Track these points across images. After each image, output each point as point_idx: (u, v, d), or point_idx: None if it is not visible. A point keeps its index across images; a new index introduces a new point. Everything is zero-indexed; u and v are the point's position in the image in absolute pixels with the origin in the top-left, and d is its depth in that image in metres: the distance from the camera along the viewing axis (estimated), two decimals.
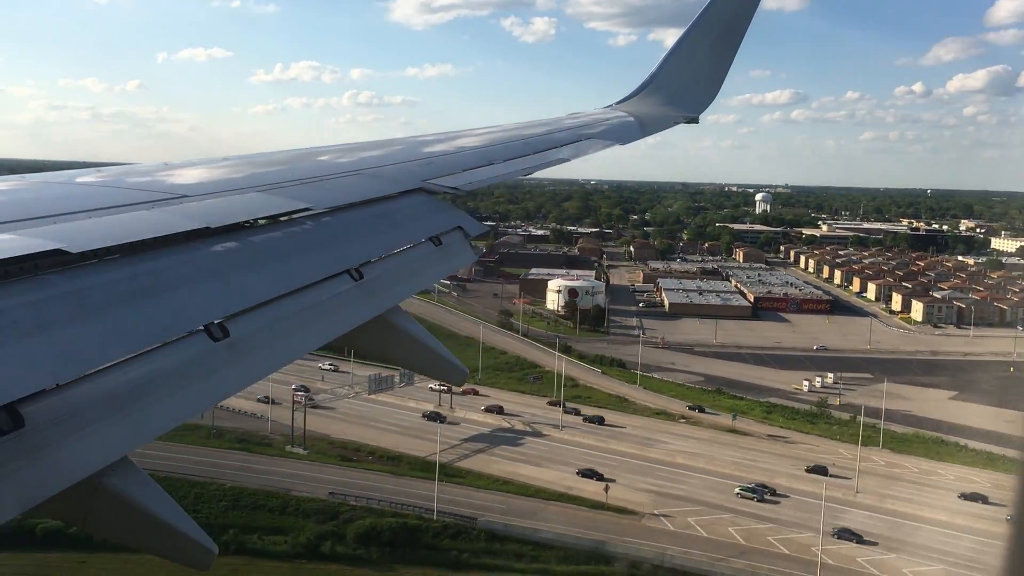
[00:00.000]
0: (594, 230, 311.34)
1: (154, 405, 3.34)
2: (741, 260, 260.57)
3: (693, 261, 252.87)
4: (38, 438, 2.86)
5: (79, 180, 5.50)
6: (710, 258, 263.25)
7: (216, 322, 3.82)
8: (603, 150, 10.76)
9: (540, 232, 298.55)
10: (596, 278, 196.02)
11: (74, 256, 3.59)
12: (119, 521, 3.39)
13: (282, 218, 5.21)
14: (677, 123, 13.29)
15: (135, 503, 3.34)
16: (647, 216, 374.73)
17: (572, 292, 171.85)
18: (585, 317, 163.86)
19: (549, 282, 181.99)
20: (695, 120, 13.52)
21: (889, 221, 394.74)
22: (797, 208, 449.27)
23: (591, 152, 10.39)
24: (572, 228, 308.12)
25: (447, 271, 5.97)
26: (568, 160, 9.74)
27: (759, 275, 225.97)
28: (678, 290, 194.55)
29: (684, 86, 13.92)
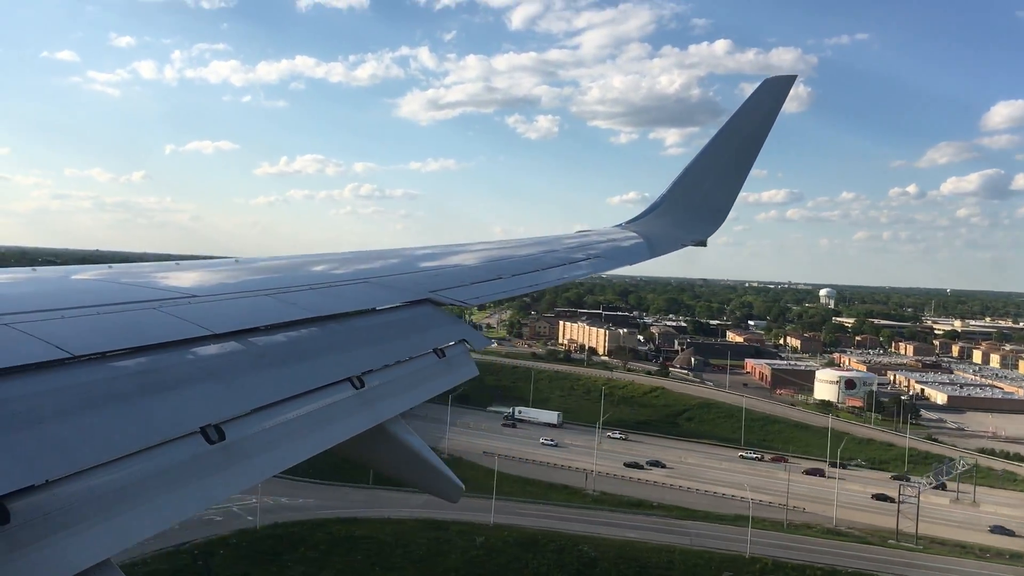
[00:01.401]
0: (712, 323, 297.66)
1: (143, 506, 3.30)
2: (911, 353, 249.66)
3: (874, 354, 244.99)
4: (23, 535, 2.83)
5: (90, 275, 5.58)
6: (879, 351, 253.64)
7: (213, 424, 3.81)
8: (612, 270, 10.87)
9: (677, 324, 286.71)
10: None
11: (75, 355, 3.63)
12: None
13: (287, 323, 5.24)
14: (685, 245, 13.46)
15: None
16: (728, 310, 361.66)
17: (849, 383, 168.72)
18: (878, 408, 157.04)
19: (817, 373, 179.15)
20: (703, 244, 13.70)
21: (967, 318, 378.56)
22: (865, 304, 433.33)
23: (600, 272, 10.51)
24: (692, 321, 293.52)
25: (449, 384, 5.95)
26: (577, 279, 9.85)
27: (979, 368, 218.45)
28: (948, 384, 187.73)
29: (694, 210, 14.15)
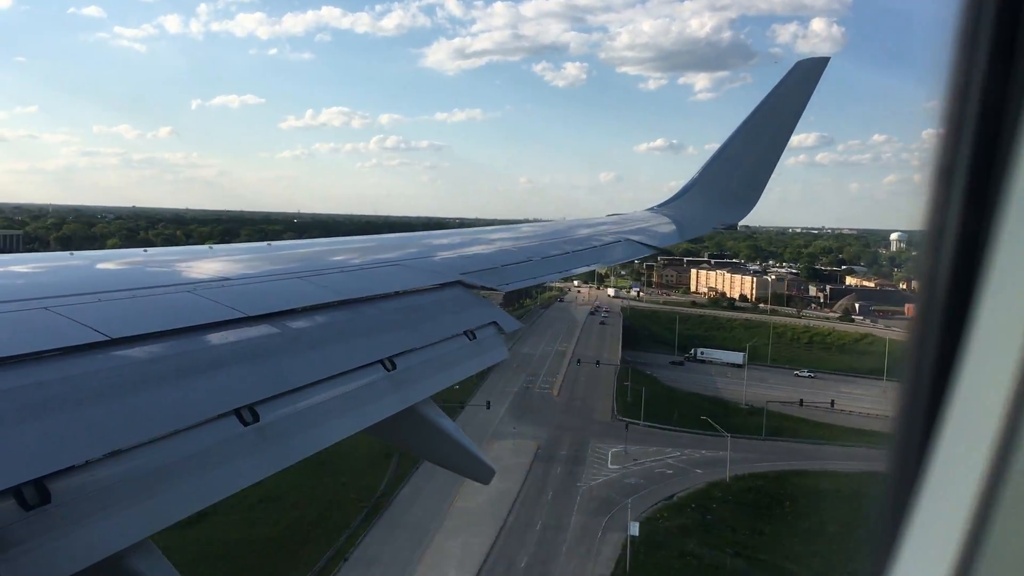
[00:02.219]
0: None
1: (180, 487, 3.34)
2: None
3: None
4: (63, 514, 2.88)
5: (126, 260, 5.65)
6: None
7: (247, 406, 3.85)
8: (643, 255, 10.84)
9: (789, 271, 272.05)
10: None
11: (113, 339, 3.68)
12: None
13: (319, 306, 5.28)
14: (716, 228, 13.39)
15: None
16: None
17: None
18: None
19: None
20: (733, 227, 13.61)
21: None
22: None
23: (630, 258, 10.48)
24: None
25: (479, 366, 5.98)
26: (609, 264, 9.83)
27: None
28: None
29: (725, 193, 14.06)
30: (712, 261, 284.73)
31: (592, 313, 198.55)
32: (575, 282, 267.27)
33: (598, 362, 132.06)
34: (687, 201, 14.13)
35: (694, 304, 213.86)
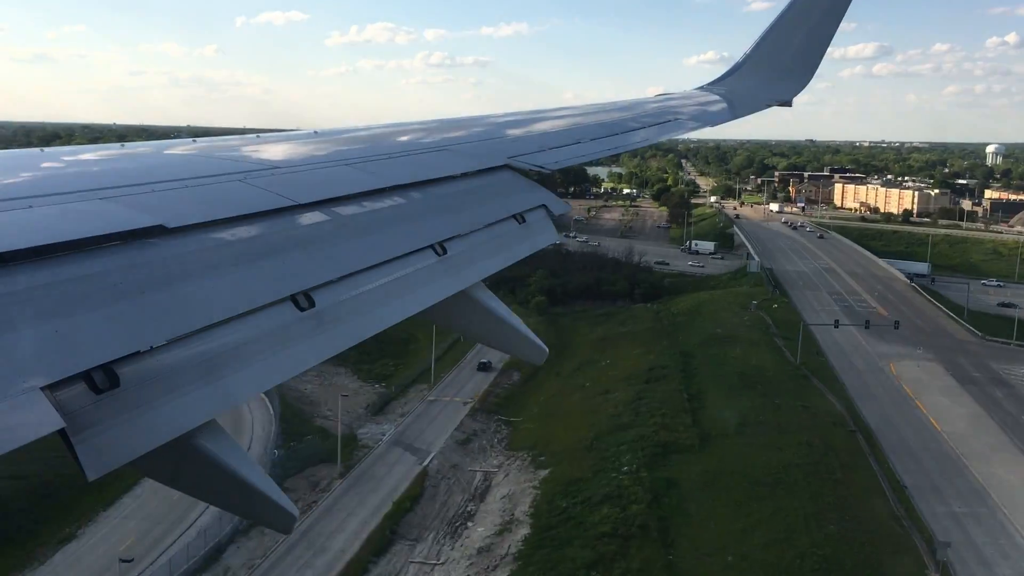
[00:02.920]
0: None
1: (240, 371, 3.44)
2: None
3: None
4: (132, 398, 2.98)
5: (176, 150, 5.67)
6: None
7: (302, 292, 3.91)
8: (693, 131, 10.61)
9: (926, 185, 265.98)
10: None
11: (171, 228, 3.73)
12: (207, 481, 3.51)
13: (368, 193, 5.28)
14: (769, 105, 13.00)
15: (223, 465, 3.44)
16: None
17: None
18: None
19: None
20: (788, 103, 13.20)
21: None
22: None
23: (679, 134, 10.25)
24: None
25: (529, 249, 5.97)
26: (656, 140, 9.64)
27: None
28: None
29: (778, 68, 13.59)
30: (837, 176, 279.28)
31: (794, 228, 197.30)
32: (712, 198, 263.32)
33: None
34: (738, 78, 13.70)
35: (864, 220, 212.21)
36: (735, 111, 12.17)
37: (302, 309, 3.85)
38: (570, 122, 9.41)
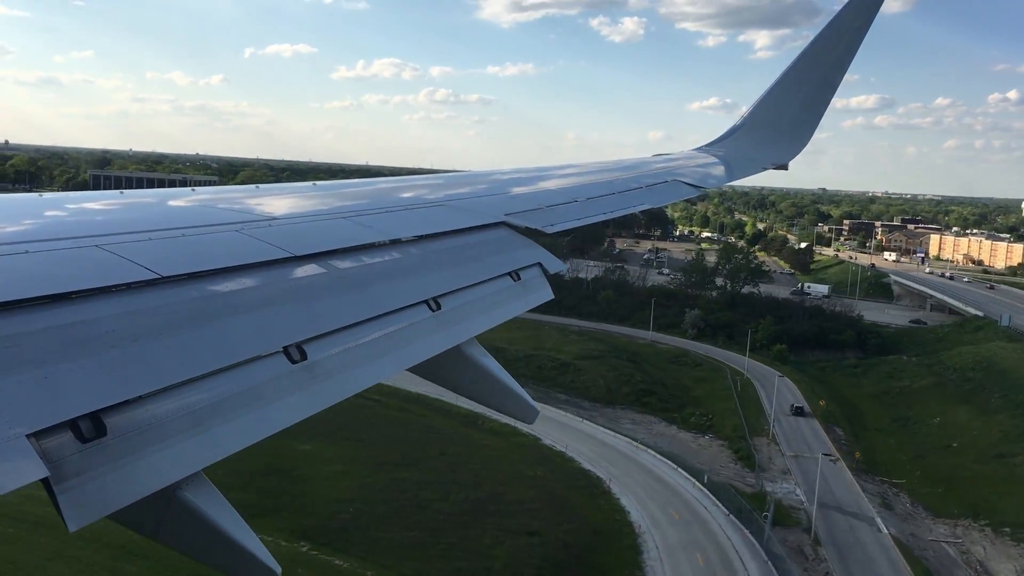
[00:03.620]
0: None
1: (230, 422, 3.41)
2: None
3: None
4: (118, 447, 2.96)
5: (173, 199, 5.71)
6: None
7: (295, 344, 3.90)
8: (690, 196, 10.69)
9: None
10: None
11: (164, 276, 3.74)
12: (189, 533, 3.46)
13: (364, 246, 5.30)
14: (765, 169, 13.14)
15: (206, 517, 3.40)
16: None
17: None
18: None
19: None
20: (784, 167, 13.34)
21: None
22: None
23: (678, 199, 10.34)
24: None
25: (524, 307, 5.98)
26: (655, 206, 9.70)
27: None
28: None
29: (775, 131, 13.76)
30: (909, 226, 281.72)
31: (950, 278, 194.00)
32: (835, 249, 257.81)
33: None
34: (735, 140, 13.86)
35: (986, 272, 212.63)
36: (732, 174, 12.30)
37: (294, 361, 3.84)
38: (570, 181, 9.49)
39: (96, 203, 5.37)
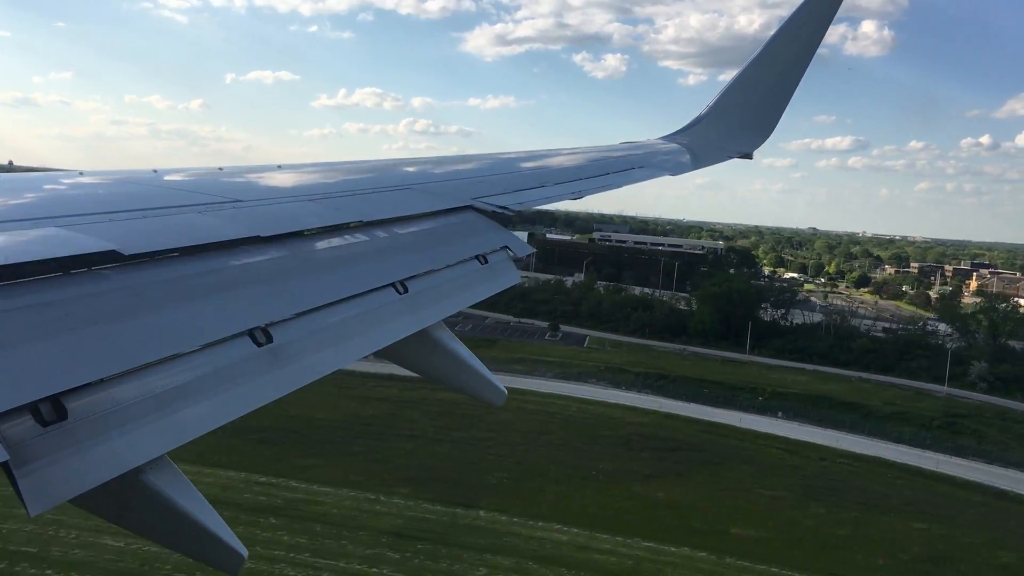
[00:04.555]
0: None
1: (194, 406, 3.36)
2: None
3: None
4: (80, 431, 2.90)
5: (135, 180, 5.60)
6: None
7: (260, 327, 3.85)
8: (655, 178, 10.72)
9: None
10: None
11: (126, 256, 3.66)
12: (154, 518, 3.41)
13: (331, 228, 5.25)
14: (731, 157, 13.21)
15: (171, 501, 3.35)
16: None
17: None
18: None
19: None
20: (749, 156, 13.43)
21: None
22: None
23: (643, 180, 10.36)
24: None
25: (492, 290, 5.96)
26: (619, 187, 9.72)
27: None
28: None
29: (740, 122, 13.84)
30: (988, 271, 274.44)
31: None
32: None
33: None
34: (701, 129, 13.92)
35: None
36: (698, 161, 12.35)
37: (260, 344, 3.79)
38: (536, 164, 9.48)
39: (55, 183, 5.25)
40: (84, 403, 2.95)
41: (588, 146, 11.97)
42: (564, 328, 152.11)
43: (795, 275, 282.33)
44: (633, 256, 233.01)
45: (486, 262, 6.03)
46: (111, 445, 2.98)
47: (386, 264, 5.20)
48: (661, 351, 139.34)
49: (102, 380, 3.06)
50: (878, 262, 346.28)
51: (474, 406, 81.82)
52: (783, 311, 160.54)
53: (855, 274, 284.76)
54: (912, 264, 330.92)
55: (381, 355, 4.81)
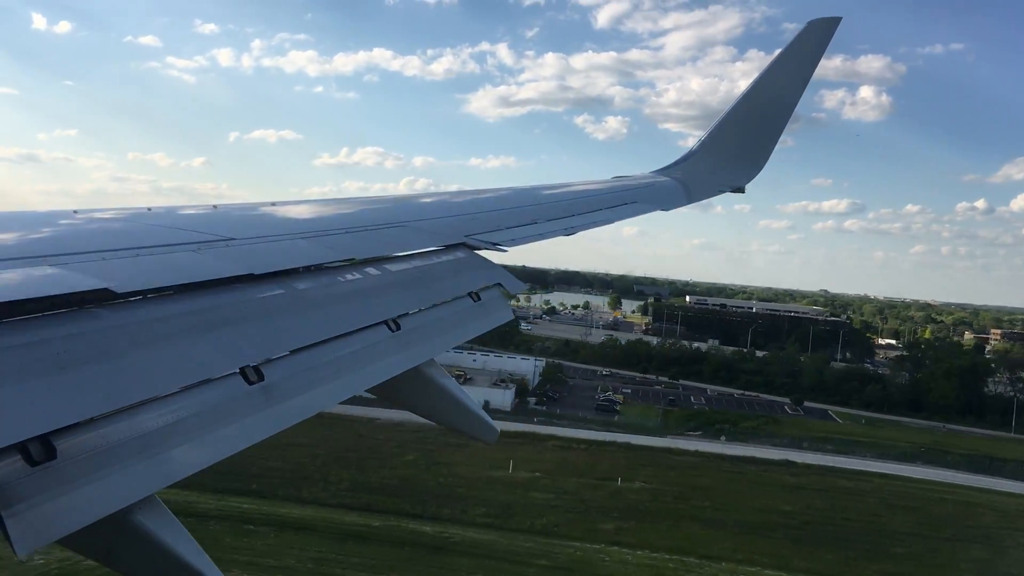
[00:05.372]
0: None
1: (184, 445, 3.36)
2: None
3: None
4: (69, 471, 2.89)
5: (128, 218, 5.62)
6: None
7: (252, 365, 3.85)
8: (647, 213, 10.78)
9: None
10: None
11: (119, 294, 3.67)
12: (142, 559, 3.39)
13: (323, 266, 5.27)
14: (724, 191, 13.29)
15: (160, 542, 3.33)
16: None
17: None
18: None
19: None
20: (741, 190, 13.52)
21: None
22: None
23: (636, 216, 10.41)
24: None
25: (484, 327, 5.98)
26: (612, 222, 9.77)
27: None
28: None
29: (732, 155, 13.95)
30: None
31: None
32: None
33: None
34: (692, 164, 14.02)
35: None
36: (691, 195, 12.43)
37: (251, 383, 3.79)
38: (528, 200, 9.53)
39: (49, 221, 5.27)
40: (74, 443, 2.94)
41: (580, 180, 12.05)
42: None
43: (891, 341, 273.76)
44: (749, 320, 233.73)
45: (479, 299, 6.05)
46: (100, 485, 2.97)
47: (378, 301, 5.21)
48: (915, 427, 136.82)
49: (92, 419, 3.05)
50: (954, 327, 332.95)
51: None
52: (1020, 384, 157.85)
53: (968, 339, 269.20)
54: (994, 330, 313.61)
55: (373, 392, 4.81)
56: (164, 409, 3.36)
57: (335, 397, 4.28)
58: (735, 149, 13.98)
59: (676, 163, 14.16)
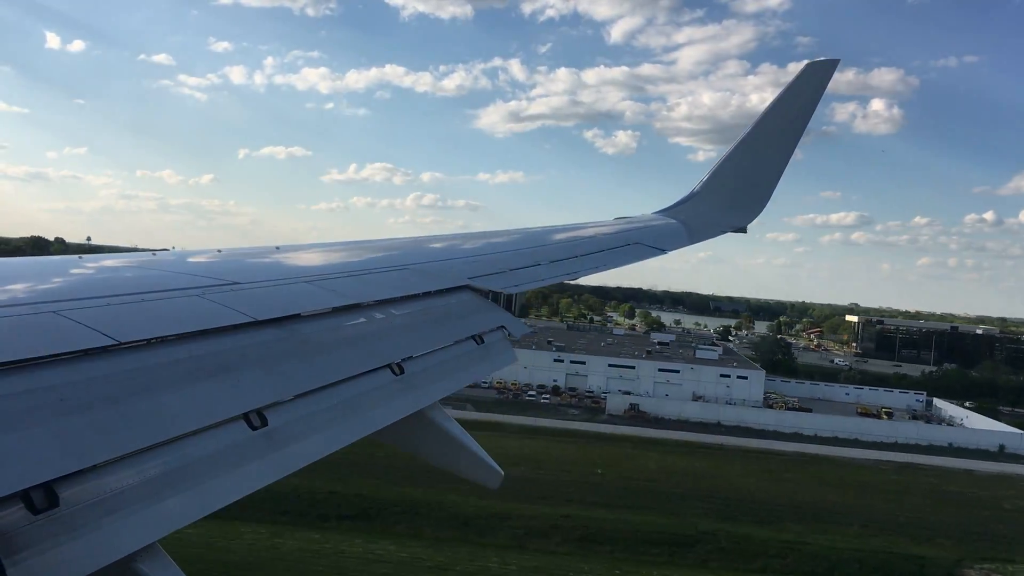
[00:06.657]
0: None
1: (187, 491, 3.34)
2: None
3: None
4: (72, 519, 2.88)
5: (134, 263, 5.65)
6: None
7: (255, 411, 3.85)
8: (651, 257, 10.81)
9: None
10: None
11: (122, 342, 3.68)
12: None
13: (329, 310, 5.28)
14: (725, 232, 13.33)
15: None
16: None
17: None
18: None
19: None
20: (743, 230, 13.55)
21: None
22: None
23: (638, 260, 10.44)
24: None
25: (488, 371, 5.97)
26: (615, 267, 9.79)
27: None
28: None
29: (734, 196, 14.00)
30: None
31: None
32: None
33: None
34: (694, 204, 14.07)
35: None
36: (693, 236, 12.46)
37: (255, 428, 3.79)
38: (531, 243, 9.56)
39: (54, 268, 5.31)
40: (76, 490, 2.94)
41: (582, 222, 12.09)
42: None
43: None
44: (984, 344, 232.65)
45: (482, 342, 6.05)
46: (103, 533, 2.95)
47: (382, 345, 5.21)
48: None
49: (95, 466, 3.05)
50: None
51: None
52: None
53: None
54: None
55: (377, 436, 4.79)
56: (167, 456, 3.35)
57: (339, 441, 4.27)
58: (737, 190, 14.03)
59: (679, 203, 14.22)
